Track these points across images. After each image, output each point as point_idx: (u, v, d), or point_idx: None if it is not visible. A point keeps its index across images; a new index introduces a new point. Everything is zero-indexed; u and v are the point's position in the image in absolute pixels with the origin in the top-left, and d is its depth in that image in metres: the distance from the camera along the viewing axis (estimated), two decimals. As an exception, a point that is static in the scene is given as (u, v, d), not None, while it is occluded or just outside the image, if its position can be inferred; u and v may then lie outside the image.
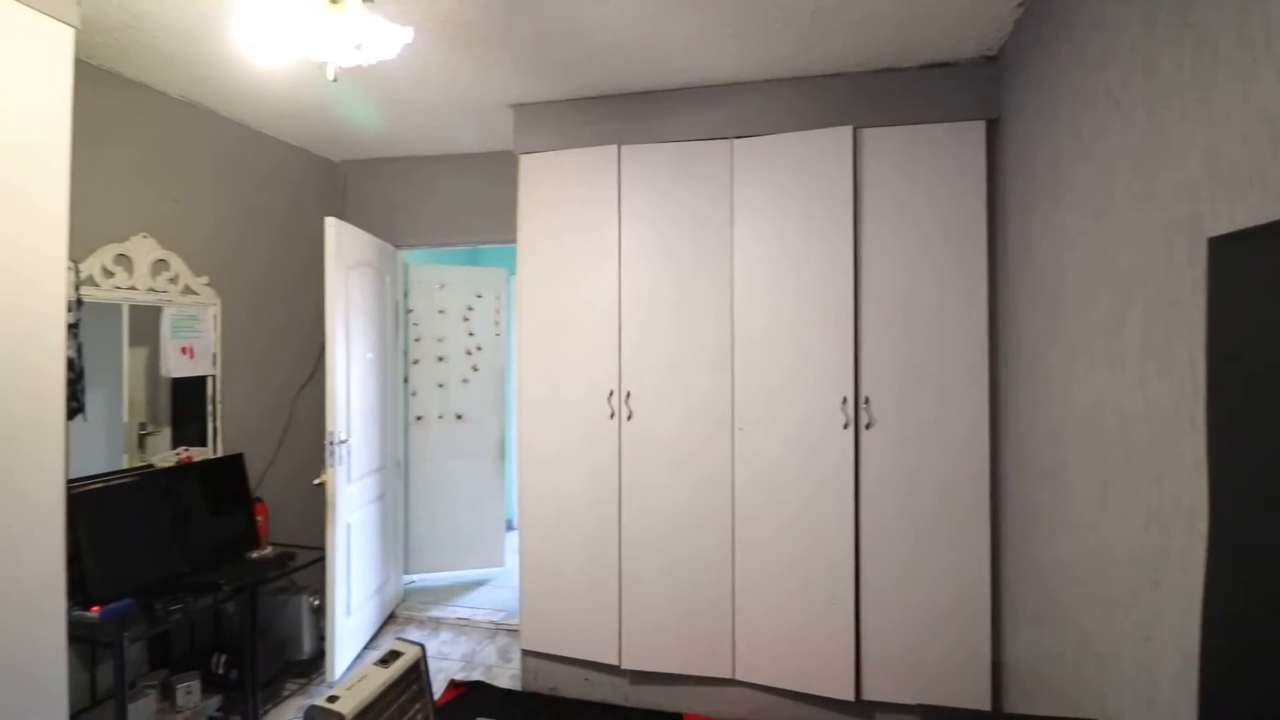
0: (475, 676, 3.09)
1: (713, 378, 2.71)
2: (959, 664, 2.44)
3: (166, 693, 2.51)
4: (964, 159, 2.49)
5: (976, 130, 2.49)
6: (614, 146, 2.84)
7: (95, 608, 2.22)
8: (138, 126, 2.71)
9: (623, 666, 2.80)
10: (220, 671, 2.70)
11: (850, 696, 2.51)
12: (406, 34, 1.54)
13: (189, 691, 2.53)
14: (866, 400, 2.53)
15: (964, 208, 2.48)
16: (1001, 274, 2.44)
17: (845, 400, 2.53)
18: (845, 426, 2.53)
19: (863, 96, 2.59)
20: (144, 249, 2.71)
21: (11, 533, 1.66)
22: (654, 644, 2.76)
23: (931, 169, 2.51)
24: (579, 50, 2.44)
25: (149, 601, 2.38)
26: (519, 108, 2.98)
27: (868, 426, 2.53)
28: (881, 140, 2.56)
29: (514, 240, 3.12)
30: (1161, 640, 1.36)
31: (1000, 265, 2.45)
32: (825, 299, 2.57)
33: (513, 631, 3.49)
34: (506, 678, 3.08)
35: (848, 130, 2.56)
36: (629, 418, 2.79)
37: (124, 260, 2.63)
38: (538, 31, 2.29)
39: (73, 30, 1.82)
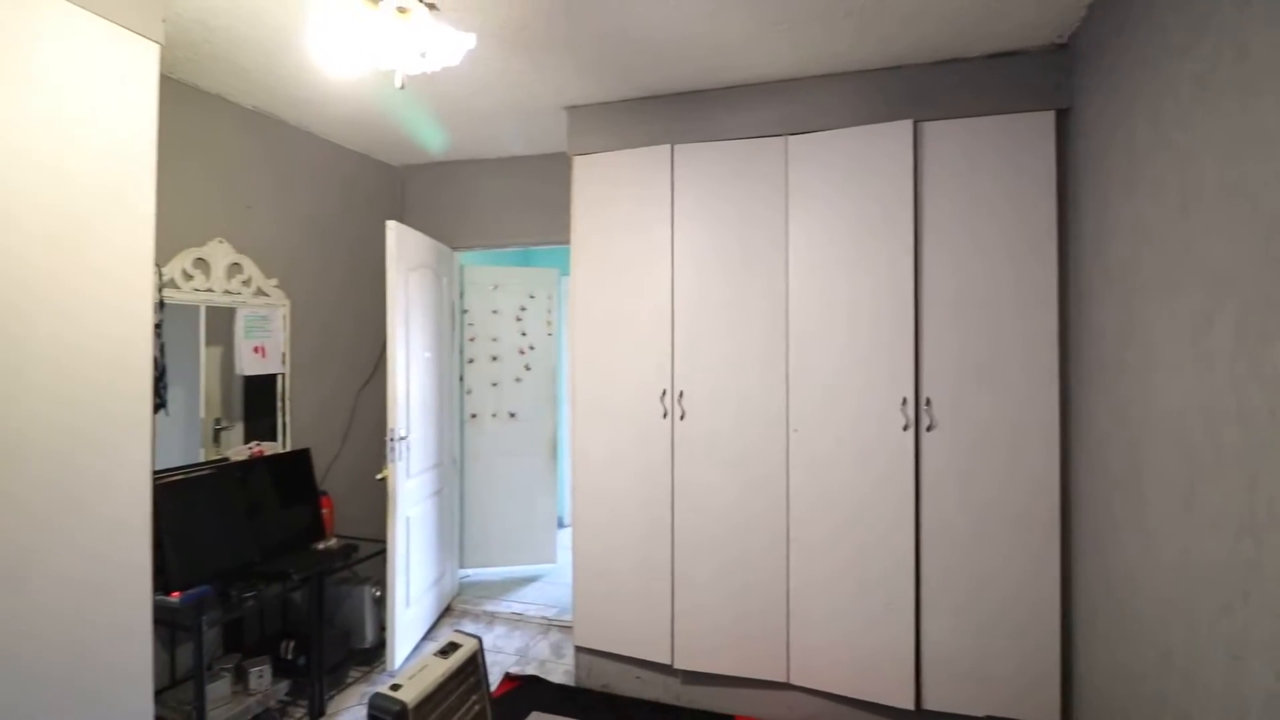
0: (529, 671, 3.14)
1: (766, 378, 2.68)
2: (1026, 676, 2.35)
3: (240, 676, 2.63)
4: (1032, 151, 2.40)
5: (1045, 121, 2.39)
6: (667, 146, 2.84)
7: (175, 593, 2.34)
8: (214, 136, 2.85)
9: (675, 666, 2.80)
10: (289, 657, 2.82)
11: (910, 705, 2.45)
12: (469, 40, 1.57)
13: (260, 675, 2.64)
14: (928, 401, 2.46)
15: (1032, 201, 2.39)
16: (1073, 271, 2.34)
17: (905, 401, 2.47)
18: (905, 428, 2.46)
19: (924, 89, 2.52)
20: (220, 253, 2.85)
21: (109, 519, 1.77)
22: (706, 645, 2.75)
23: (997, 162, 2.42)
24: (635, 51, 2.45)
25: (224, 588, 2.50)
26: (573, 110, 3.01)
27: (929, 428, 2.46)
28: (944, 133, 2.49)
29: (566, 241, 3.16)
30: (1252, 658, 1.29)
31: (1072, 261, 2.35)
32: (884, 298, 2.51)
33: (565, 628, 3.53)
34: (560, 673, 3.12)
35: (908, 124, 2.50)
36: (681, 417, 2.79)
37: (202, 264, 2.77)
38: (595, 33, 2.31)
39: (158, 46, 1.92)
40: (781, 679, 2.65)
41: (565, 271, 4.53)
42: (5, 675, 1.54)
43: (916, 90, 2.53)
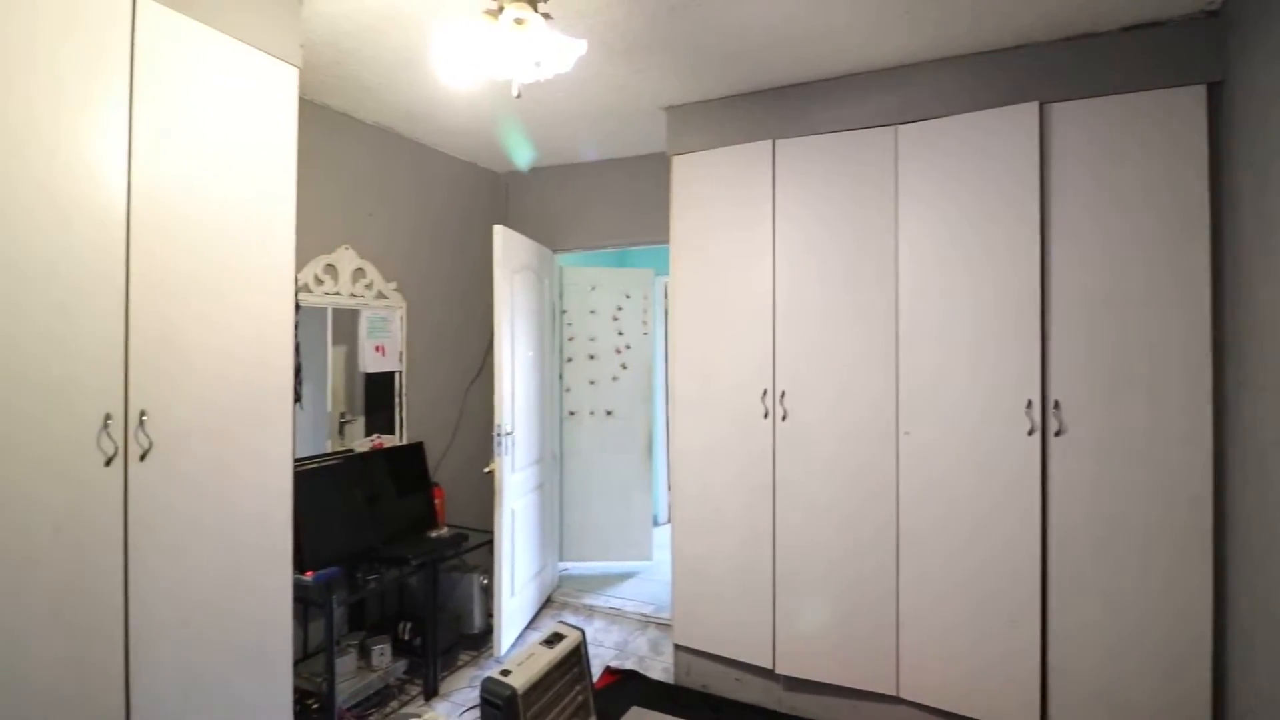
0: (628, 665, 3.18)
1: (874, 378, 2.58)
2: (1170, 706, 2.14)
3: (363, 652, 2.82)
4: (1177, 130, 2.18)
5: (1194, 96, 2.16)
6: (768, 141, 2.79)
7: (309, 572, 2.54)
8: (341, 150, 3.07)
9: (777, 671, 2.75)
10: (405, 638, 3.00)
11: (1033, 729, 2.29)
12: (580, 46, 1.61)
13: (382, 654, 2.83)
14: (1056, 404, 2.28)
15: (1180, 185, 2.17)
16: (1230, 260, 2.11)
17: (1030, 404, 2.30)
18: (1030, 433, 2.30)
19: (1050, 68, 2.35)
20: (346, 259, 3.07)
21: (262, 499, 1.96)
22: (810, 651, 2.68)
23: (1138, 143, 2.22)
24: (738, 47, 2.43)
25: (351, 570, 2.70)
26: (672, 110, 3.02)
27: (1057, 433, 2.28)
28: (1073, 115, 2.30)
29: (663, 241, 3.17)
30: None
31: (1228, 250, 2.12)
32: (1006, 293, 2.36)
33: (662, 625, 3.55)
34: (658, 670, 3.14)
35: (1033, 106, 2.33)
36: (783, 418, 2.74)
37: (331, 269, 3.00)
38: (697, 32, 2.31)
39: (296, 70, 2.09)
40: (890, 691, 2.54)
41: (660, 271, 4.56)
42: (181, 638, 1.74)
43: (1041, 70, 2.36)
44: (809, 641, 2.69)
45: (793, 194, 2.75)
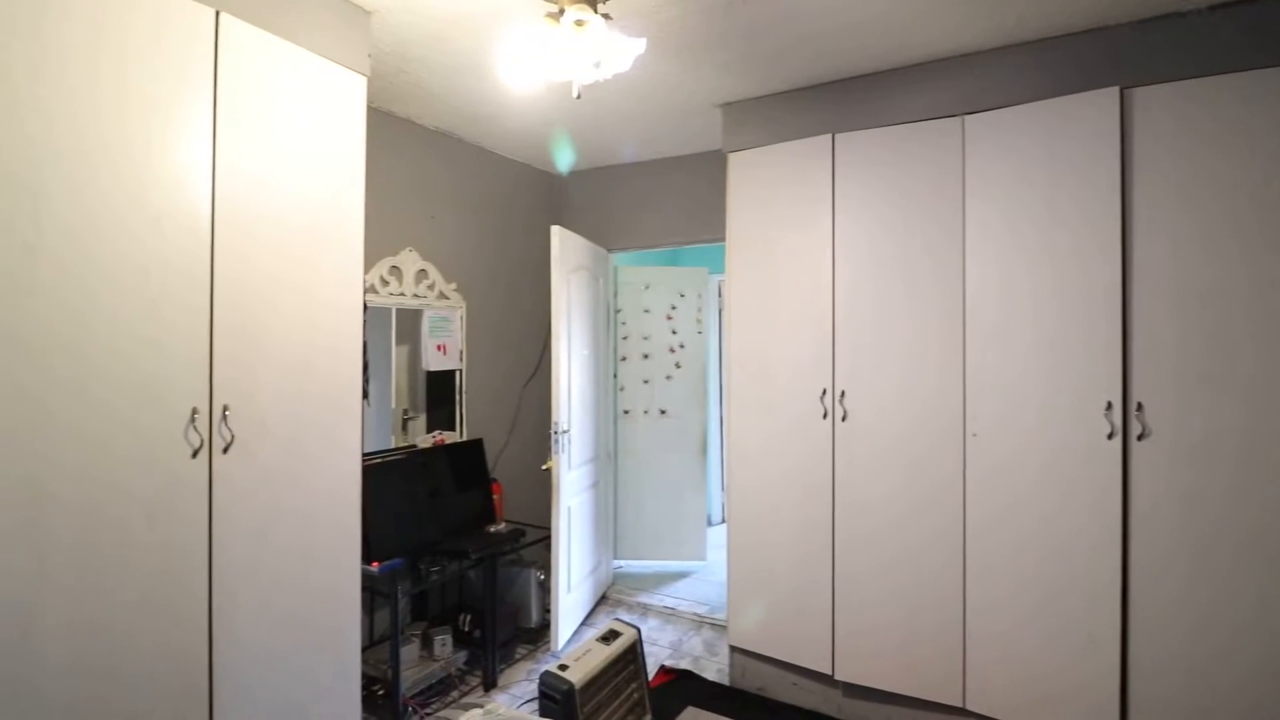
0: (683, 665, 3.17)
1: (939, 378, 2.50)
2: (1268, 731, 2.00)
3: (426, 642, 2.91)
4: (1277, 112, 2.02)
5: (1298, 75, 2.01)
6: (827, 136, 2.74)
7: (375, 563, 2.63)
8: (405, 156, 3.17)
9: (836, 677, 2.69)
10: (466, 630, 3.07)
11: (1112, 748, 2.17)
12: (640, 45, 1.62)
13: (444, 644, 2.90)
14: (1139, 406, 2.16)
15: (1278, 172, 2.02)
16: (1337, 252, 1.95)
17: (1109, 406, 2.18)
18: (1110, 436, 2.18)
19: (1131, 51, 2.22)
20: (410, 261, 3.16)
21: (334, 479, 2.06)
22: (871, 658, 2.61)
23: (1232, 127, 2.07)
24: (795, 41, 2.39)
25: (414, 562, 2.78)
26: (728, 106, 3.00)
27: (1140, 437, 2.16)
28: (1158, 100, 2.17)
29: (718, 239, 3.15)
30: None
31: (1335, 241, 1.96)
32: (1083, 289, 2.24)
33: (717, 626, 3.53)
34: (713, 671, 3.12)
35: (1113, 92, 2.21)
36: (843, 418, 2.68)
37: (396, 271, 3.09)
38: (754, 27, 2.28)
39: (364, 79, 2.17)
40: (956, 703, 2.45)
41: (715, 270, 4.54)
42: (260, 619, 1.83)
43: (1121, 53, 2.23)
44: (870, 647, 2.62)
45: (853, 189, 2.68)
